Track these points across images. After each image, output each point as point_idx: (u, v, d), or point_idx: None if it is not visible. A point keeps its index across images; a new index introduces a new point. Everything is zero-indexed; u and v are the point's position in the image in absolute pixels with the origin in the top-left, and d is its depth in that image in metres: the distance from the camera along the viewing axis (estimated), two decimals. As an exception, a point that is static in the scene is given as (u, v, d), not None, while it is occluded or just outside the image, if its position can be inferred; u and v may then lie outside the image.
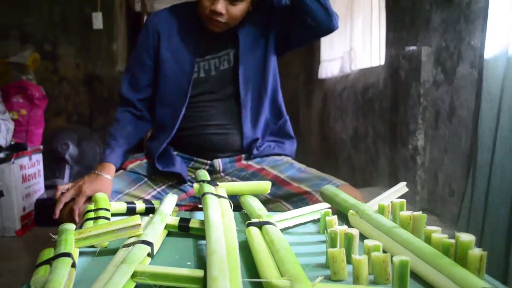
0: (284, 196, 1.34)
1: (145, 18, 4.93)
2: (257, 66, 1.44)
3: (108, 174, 1.30)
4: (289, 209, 1.29)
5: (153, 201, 1.17)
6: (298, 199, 1.31)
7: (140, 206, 1.11)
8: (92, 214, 0.98)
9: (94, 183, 1.25)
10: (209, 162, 1.44)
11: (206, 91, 1.42)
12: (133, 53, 1.48)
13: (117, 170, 1.38)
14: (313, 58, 4.85)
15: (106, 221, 0.94)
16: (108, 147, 1.38)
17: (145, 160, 1.44)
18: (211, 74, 1.42)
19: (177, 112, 1.40)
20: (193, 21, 1.42)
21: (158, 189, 1.38)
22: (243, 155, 1.46)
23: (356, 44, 3.55)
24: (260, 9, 1.42)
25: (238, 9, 1.32)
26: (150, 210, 1.11)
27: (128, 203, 1.13)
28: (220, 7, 1.29)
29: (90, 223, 0.93)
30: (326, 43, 4.38)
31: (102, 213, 0.98)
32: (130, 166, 1.41)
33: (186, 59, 1.41)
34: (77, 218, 1.17)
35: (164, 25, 1.43)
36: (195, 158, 1.45)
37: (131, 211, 1.09)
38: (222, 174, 1.45)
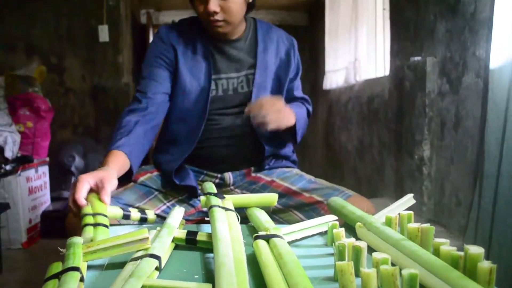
0: (295, 206, 1.34)
1: (150, 30, 4.97)
2: (271, 94, 1.45)
3: (110, 167, 1.14)
4: (301, 219, 1.29)
5: (146, 211, 1.14)
6: (310, 208, 1.31)
7: (134, 214, 1.09)
8: (90, 219, 0.96)
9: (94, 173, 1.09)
10: (219, 175, 1.44)
11: (221, 107, 1.42)
12: (146, 65, 1.43)
13: (127, 182, 1.35)
14: (317, 69, 4.87)
15: (105, 229, 0.93)
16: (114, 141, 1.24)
17: (155, 173, 1.42)
18: (229, 93, 1.42)
19: (195, 128, 1.39)
20: (205, 37, 1.42)
21: (168, 204, 1.37)
22: (252, 168, 1.46)
23: (360, 55, 3.56)
24: (286, 43, 1.49)
25: (232, 2, 1.31)
26: (144, 220, 1.10)
27: (123, 209, 1.08)
28: (212, 5, 1.29)
29: (90, 229, 0.92)
30: (331, 54, 4.39)
31: (100, 219, 0.96)
32: (141, 179, 1.39)
33: (203, 76, 1.40)
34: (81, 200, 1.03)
35: (179, 40, 1.42)
36: (205, 172, 1.45)
37: (126, 217, 1.08)
38: (232, 187, 1.45)
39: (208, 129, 1.40)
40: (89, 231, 0.91)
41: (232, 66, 1.43)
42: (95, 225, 0.93)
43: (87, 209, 1.00)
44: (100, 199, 1.03)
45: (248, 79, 1.43)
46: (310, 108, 1.57)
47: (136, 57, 4.61)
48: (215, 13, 1.31)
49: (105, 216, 0.98)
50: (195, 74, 1.40)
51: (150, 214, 1.11)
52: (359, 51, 3.57)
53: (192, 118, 1.40)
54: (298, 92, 1.56)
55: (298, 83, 1.56)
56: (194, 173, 1.43)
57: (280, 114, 1.28)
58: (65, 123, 3.99)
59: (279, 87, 1.47)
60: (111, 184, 1.07)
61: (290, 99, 1.52)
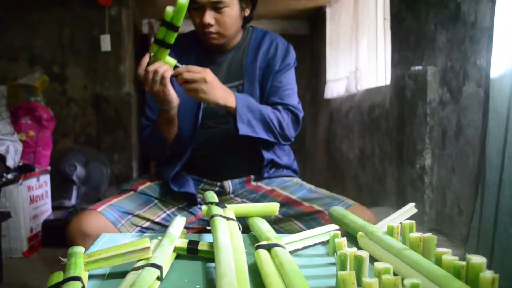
0: (295, 216, 1.34)
1: (152, 40, 4.97)
2: (261, 101, 1.45)
3: None
4: (301, 228, 1.29)
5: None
6: (310, 218, 1.31)
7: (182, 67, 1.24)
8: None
9: None
10: (218, 183, 1.44)
11: (215, 116, 1.43)
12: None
13: (127, 191, 1.39)
14: (319, 78, 4.88)
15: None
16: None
17: (155, 182, 1.44)
18: None
19: (190, 136, 1.40)
20: (199, 49, 1.45)
21: (168, 212, 1.38)
22: (252, 176, 1.46)
23: (361, 64, 3.57)
24: (281, 51, 1.45)
25: (227, 16, 1.34)
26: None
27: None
28: (208, 18, 1.32)
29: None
30: (332, 63, 4.41)
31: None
32: (140, 187, 1.41)
33: None
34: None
35: (175, 54, 1.44)
36: (204, 180, 1.45)
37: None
38: (231, 195, 1.45)
39: (204, 137, 1.41)
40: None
41: (222, 77, 1.43)
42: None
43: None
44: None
45: (238, 91, 1.43)
46: (299, 114, 1.45)
47: (137, 66, 4.61)
48: (210, 25, 1.34)
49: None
50: None
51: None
52: (360, 60, 3.58)
53: (187, 127, 1.41)
54: (278, 97, 1.45)
55: (278, 87, 1.45)
56: (194, 181, 1.44)
57: (207, 85, 1.22)
58: (66, 132, 4.00)
59: (263, 93, 1.46)
60: None
61: (266, 104, 1.45)
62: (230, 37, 1.41)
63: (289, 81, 1.48)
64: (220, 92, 1.26)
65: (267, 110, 1.37)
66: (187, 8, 1.38)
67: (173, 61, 1.24)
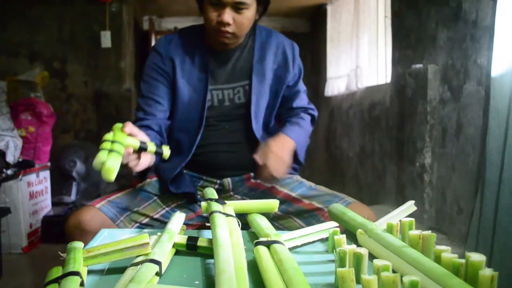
0: (295, 213, 1.34)
1: (153, 36, 4.97)
2: (269, 100, 1.46)
3: None
4: (300, 225, 1.29)
5: (163, 146, 1.17)
6: (310, 215, 1.31)
7: (151, 147, 1.12)
8: (107, 144, 1.00)
9: None
10: (218, 181, 1.44)
11: (219, 115, 1.42)
12: (146, 80, 1.43)
13: (127, 187, 1.39)
14: (319, 76, 4.87)
15: (117, 155, 0.98)
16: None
17: (154, 179, 1.43)
18: (225, 104, 1.42)
19: (193, 136, 1.39)
20: (203, 47, 1.43)
21: (167, 208, 1.37)
22: (252, 174, 1.46)
23: (362, 62, 3.57)
24: (286, 53, 1.47)
25: (245, 17, 1.32)
26: (159, 154, 1.15)
27: (141, 142, 1.10)
28: (227, 17, 1.29)
29: (104, 153, 0.96)
30: (332, 61, 4.40)
31: (115, 146, 1.00)
32: (140, 184, 1.40)
33: (200, 86, 1.40)
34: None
35: (177, 51, 1.42)
36: (204, 177, 1.45)
37: (143, 149, 1.10)
38: (231, 193, 1.45)
39: (207, 136, 1.41)
40: (102, 155, 0.96)
41: (228, 76, 1.43)
42: (110, 150, 0.99)
43: (108, 136, 1.04)
44: (122, 130, 1.07)
45: (244, 90, 1.43)
46: (315, 114, 1.57)
47: (138, 63, 4.62)
48: (228, 24, 1.31)
49: (122, 144, 1.02)
50: (192, 84, 1.41)
51: (166, 150, 1.17)
52: (360, 58, 3.58)
53: (190, 127, 1.40)
54: (298, 102, 1.52)
55: (298, 91, 1.52)
56: (193, 178, 1.44)
57: (285, 164, 1.32)
58: (66, 128, 4.00)
59: (276, 94, 1.46)
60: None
61: (287, 109, 1.52)
62: (241, 39, 1.41)
63: (302, 83, 1.56)
64: (286, 154, 1.34)
65: (307, 126, 1.51)
66: (199, 1, 1.37)
67: (136, 143, 1.09)
